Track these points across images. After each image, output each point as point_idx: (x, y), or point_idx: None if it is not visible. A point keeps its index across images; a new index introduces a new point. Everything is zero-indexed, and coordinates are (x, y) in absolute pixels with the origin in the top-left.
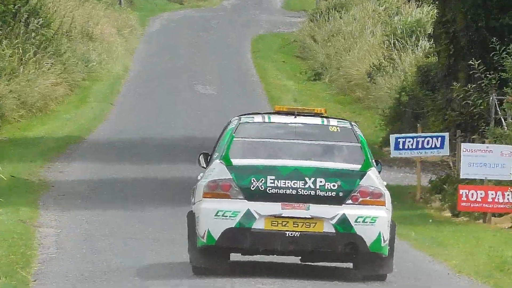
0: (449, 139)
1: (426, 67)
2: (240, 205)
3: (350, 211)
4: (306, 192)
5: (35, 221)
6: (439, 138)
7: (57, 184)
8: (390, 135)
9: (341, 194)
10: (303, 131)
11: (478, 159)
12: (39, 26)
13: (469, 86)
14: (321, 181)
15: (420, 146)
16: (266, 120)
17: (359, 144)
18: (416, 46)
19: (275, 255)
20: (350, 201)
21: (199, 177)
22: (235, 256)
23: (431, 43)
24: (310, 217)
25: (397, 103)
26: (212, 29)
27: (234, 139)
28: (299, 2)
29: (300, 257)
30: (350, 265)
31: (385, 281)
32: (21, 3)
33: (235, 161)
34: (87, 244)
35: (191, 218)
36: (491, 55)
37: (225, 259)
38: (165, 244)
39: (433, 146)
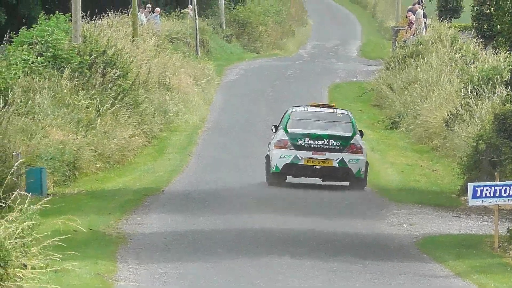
0: None
1: (503, 114)
2: (292, 152)
3: (345, 156)
4: (324, 146)
5: (113, 274)
6: None
7: (135, 237)
8: (468, 184)
9: (341, 147)
10: (323, 115)
11: None
12: (116, 77)
13: None
14: (331, 141)
15: (498, 194)
16: (305, 109)
17: (350, 123)
18: (493, 93)
19: (309, 177)
20: (345, 151)
21: (271, 138)
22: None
23: (508, 90)
24: (326, 159)
25: (474, 151)
26: (289, 78)
27: (289, 117)
28: (375, 50)
29: (321, 179)
30: (346, 183)
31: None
32: (98, 53)
33: (290, 130)
34: None
35: (268, 158)
36: None
37: (284, 179)
38: None
39: (511, 194)
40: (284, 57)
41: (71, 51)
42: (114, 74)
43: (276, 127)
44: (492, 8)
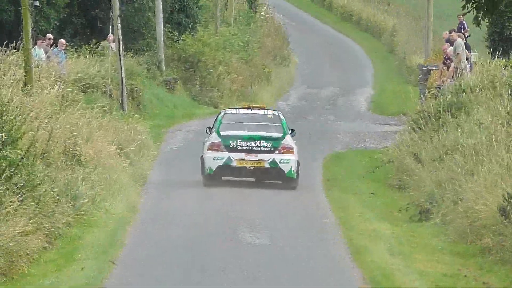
0: None
1: None
2: (225, 154)
3: (277, 156)
4: (256, 148)
5: None
6: None
7: None
8: None
9: (272, 148)
10: (254, 117)
11: None
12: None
13: None
14: (263, 142)
15: None
16: (237, 111)
17: (281, 124)
18: None
19: (242, 178)
20: (277, 152)
21: (205, 139)
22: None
23: None
24: (258, 160)
25: None
26: None
27: (221, 120)
28: (394, 102)
29: (254, 179)
30: (279, 182)
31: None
32: None
33: (222, 133)
34: None
35: (202, 160)
36: None
37: (219, 180)
38: None
39: None
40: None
41: None
42: None
43: (210, 129)
44: None
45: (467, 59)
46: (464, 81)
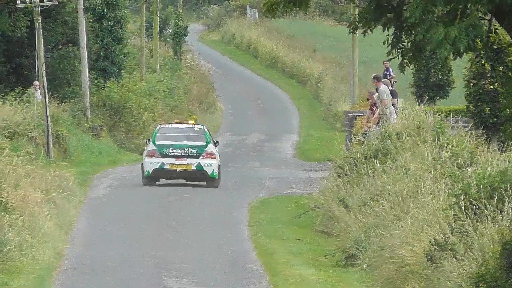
0: None
1: None
2: (159, 159)
3: (201, 161)
4: (185, 154)
5: None
6: None
7: None
8: None
9: (197, 154)
10: (183, 130)
11: None
12: None
13: None
14: (190, 149)
15: None
16: (170, 125)
17: (205, 135)
18: (500, 212)
19: (174, 179)
20: (201, 157)
21: (145, 148)
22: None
23: None
24: (186, 163)
25: None
26: (189, 193)
27: (157, 133)
28: (320, 148)
29: (184, 180)
30: (204, 183)
31: (217, 187)
32: None
33: (157, 142)
34: None
35: (142, 166)
36: None
37: (156, 181)
38: None
39: None
40: None
41: None
42: None
43: (149, 140)
44: (497, 83)
45: (393, 105)
46: (390, 127)
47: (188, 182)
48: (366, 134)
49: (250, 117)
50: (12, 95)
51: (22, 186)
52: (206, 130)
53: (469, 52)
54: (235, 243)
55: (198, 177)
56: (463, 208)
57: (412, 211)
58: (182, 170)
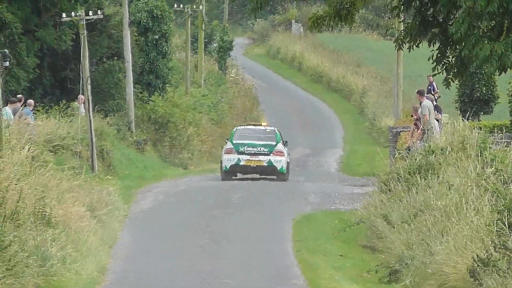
0: None
1: None
2: (236, 156)
3: (272, 157)
4: (258, 152)
5: None
6: None
7: None
8: None
9: (269, 152)
10: (257, 131)
11: None
12: None
13: None
14: (262, 148)
15: None
16: (245, 127)
17: (275, 135)
18: None
19: (248, 174)
20: (272, 154)
21: (223, 147)
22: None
23: None
24: (259, 160)
25: None
26: (234, 207)
27: (234, 133)
28: (364, 163)
29: (258, 174)
30: (274, 177)
31: (286, 181)
32: None
33: (234, 141)
34: None
35: (220, 162)
36: None
37: (233, 176)
38: None
39: None
40: None
41: None
42: None
43: (227, 140)
44: None
45: (437, 120)
46: (434, 142)
47: (261, 176)
48: (409, 149)
49: (294, 132)
50: (56, 109)
51: (65, 201)
52: (277, 131)
53: None
54: (279, 258)
55: (269, 171)
56: (506, 224)
57: (455, 227)
58: (255, 166)
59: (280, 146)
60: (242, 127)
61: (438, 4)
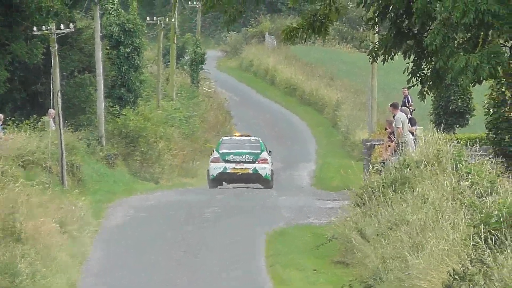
0: None
1: None
2: (222, 164)
3: (257, 165)
4: (243, 160)
5: None
6: None
7: None
8: None
9: (253, 160)
10: (242, 140)
11: None
12: None
13: None
14: (248, 156)
15: None
16: (230, 138)
17: (259, 145)
18: None
19: (234, 182)
20: (256, 162)
21: (211, 156)
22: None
23: None
24: (244, 168)
25: None
26: (207, 221)
27: (220, 143)
28: (337, 177)
29: (244, 183)
30: (259, 185)
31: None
32: None
33: (220, 151)
34: None
35: (208, 170)
36: None
37: (219, 184)
38: None
39: None
40: (199, 187)
41: None
42: None
43: (213, 150)
44: None
45: (412, 133)
46: (408, 156)
47: (247, 187)
48: (384, 163)
49: (267, 145)
50: (27, 123)
51: (35, 216)
52: (260, 141)
53: (489, 80)
54: (252, 273)
55: (254, 179)
56: (482, 238)
57: (431, 241)
58: (241, 173)
59: (264, 154)
60: (228, 137)
61: (413, 16)
